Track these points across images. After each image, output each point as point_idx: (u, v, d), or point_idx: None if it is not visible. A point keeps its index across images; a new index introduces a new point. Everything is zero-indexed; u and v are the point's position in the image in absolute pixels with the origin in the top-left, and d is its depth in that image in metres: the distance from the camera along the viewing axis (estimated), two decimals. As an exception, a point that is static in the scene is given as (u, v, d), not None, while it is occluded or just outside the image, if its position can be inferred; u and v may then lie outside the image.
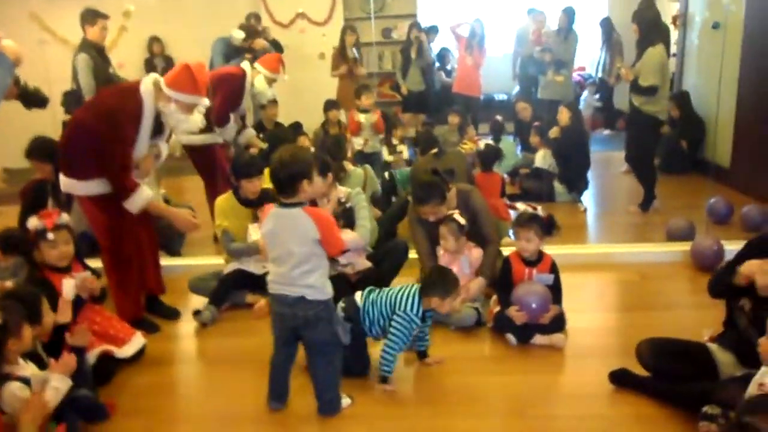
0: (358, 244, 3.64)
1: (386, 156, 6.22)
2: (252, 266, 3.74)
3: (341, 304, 2.95)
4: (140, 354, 3.22)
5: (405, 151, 6.28)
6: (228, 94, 4.86)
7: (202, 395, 3.04)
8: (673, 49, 7.07)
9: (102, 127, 3.22)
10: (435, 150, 4.87)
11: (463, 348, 3.26)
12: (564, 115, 5.88)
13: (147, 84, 3.31)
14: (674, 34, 7.14)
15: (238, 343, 3.38)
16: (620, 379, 2.80)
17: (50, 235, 2.94)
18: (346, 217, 3.66)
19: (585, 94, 8.67)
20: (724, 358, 2.65)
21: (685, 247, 4.26)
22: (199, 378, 3.22)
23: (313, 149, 4.14)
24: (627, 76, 5.30)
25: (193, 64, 3.34)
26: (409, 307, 2.87)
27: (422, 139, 5.30)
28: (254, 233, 3.71)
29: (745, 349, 2.50)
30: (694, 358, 2.68)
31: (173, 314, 3.72)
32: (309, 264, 2.50)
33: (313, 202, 3.24)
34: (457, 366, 3.09)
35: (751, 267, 2.47)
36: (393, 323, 2.86)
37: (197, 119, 3.45)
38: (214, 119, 4.72)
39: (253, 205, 3.80)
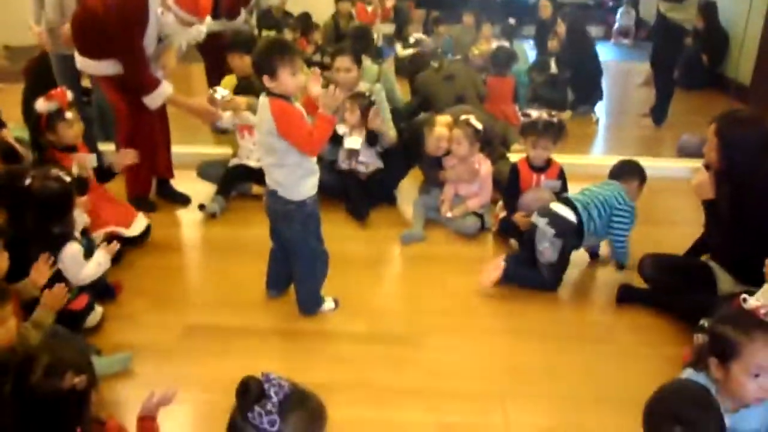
0: (390, 141, 3.65)
1: (399, 51, 6.03)
2: (252, 162, 3.71)
3: (544, 222, 2.87)
4: (146, 236, 3.26)
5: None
6: None
7: (205, 279, 3.11)
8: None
9: (110, 19, 3.17)
10: (437, 65, 4.70)
11: (466, 250, 3.30)
12: (545, 10, 5.68)
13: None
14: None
15: (244, 233, 3.41)
16: (624, 295, 2.84)
17: (68, 114, 2.93)
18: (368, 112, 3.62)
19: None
20: (723, 277, 2.67)
21: (695, 163, 4.20)
22: (203, 263, 3.28)
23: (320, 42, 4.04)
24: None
25: None
26: (625, 201, 2.94)
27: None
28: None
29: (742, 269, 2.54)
30: (695, 275, 2.72)
31: (183, 199, 3.74)
32: (273, 157, 2.45)
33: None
34: (458, 267, 3.13)
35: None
36: (618, 219, 2.92)
37: (194, 34, 3.37)
38: (225, 12, 4.59)
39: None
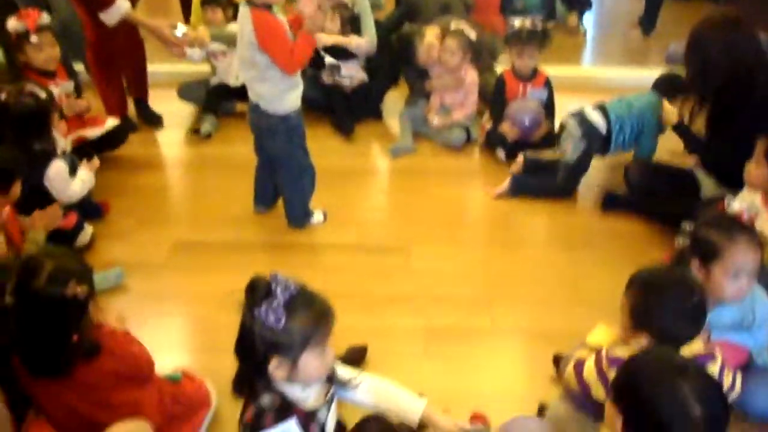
0: (368, 51, 3.57)
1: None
2: (232, 80, 3.62)
3: (574, 122, 2.88)
4: (119, 136, 3.22)
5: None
6: None
7: (191, 197, 3.10)
8: None
9: None
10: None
11: (452, 162, 3.30)
12: None
13: None
14: None
15: (229, 150, 3.38)
16: (609, 201, 2.88)
17: (34, 38, 2.81)
18: (353, 23, 3.53)
19: None
20: (707, 182, 2.71)
21: (684, 72, 4.17)
22: (189, 182, 3.25)
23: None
24: None
25: None
26: (657, 121, 2.87)
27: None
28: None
29: (724, 172, 2.58)
30: (679, 180, 2.76)
31: (156, 120, 3.66)
32: (254, 70, 2.39)
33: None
34: (445, 179, 3.15)
35: None
36: (645, 136, 2.90)
37: None
38: None
39: None
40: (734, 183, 2.38)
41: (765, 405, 1.81)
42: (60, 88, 2.94)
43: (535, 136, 3.19)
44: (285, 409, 1.36)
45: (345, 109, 3.56)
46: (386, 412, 1.59)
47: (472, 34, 3.32)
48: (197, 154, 3.43)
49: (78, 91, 3.21)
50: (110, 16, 3.12)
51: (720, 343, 1.71)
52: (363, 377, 1.59)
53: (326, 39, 3.47)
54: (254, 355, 1.33)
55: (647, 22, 5.22)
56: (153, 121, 3.65)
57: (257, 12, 2.30)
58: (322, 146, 3.25)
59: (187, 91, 3.75)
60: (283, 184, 2.68)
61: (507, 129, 3.16)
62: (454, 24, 3.38)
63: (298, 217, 2.71)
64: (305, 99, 2.55)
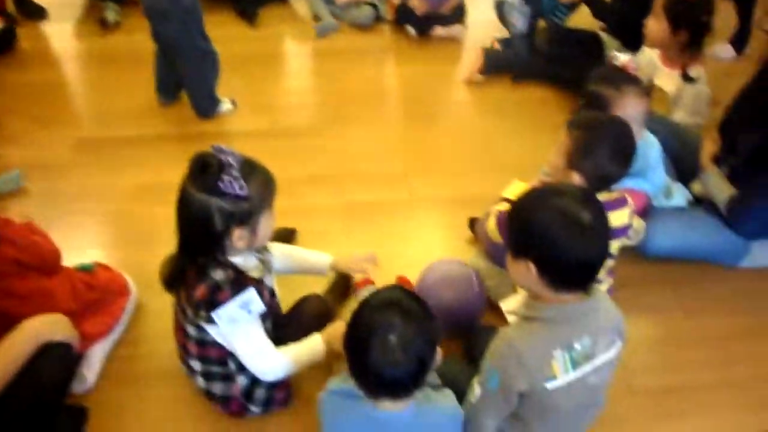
0: None
1: None
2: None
3: None
4: (7, 43, 2.99)
5: None
6: None
7: (89, 92, 2.90)
8: None
9: None
10: None
11: (361, 41, 3.22)
12: None
13: None
14: None
15: (123, 39, 3.16)
16: (519, 72, 2.89)
17: None
18: None
19: None
20: (612, 44, 2.76)
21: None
22: (84, 76, 3.03)
23: None
24: None
25: None
26: None
27: None
28: None
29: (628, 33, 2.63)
30: (585, 44, 2.80)
31: (38, 12, 3.34)
32: None
33: None
34: (356, 59, 3.07)
35: None
36: None
37: None
38: None
39: None
40: (637, 44, 2.44)
41: (662, 244, 1.95)
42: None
43: (444, 9, 3.12)
44: (239, 280, 1.36)
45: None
46: (299, 270, 1.70)
47: None
48: (92, 47, 3.18)
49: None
50: None
51: (622, 190, 1.81)
52: (273, 244, 1.62)
53: None
54: (210, 233, 1.30)
55: None
56: (35, 13, 3.33)
57: None
58: (226, 33, 3.09)
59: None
60: (183, 72, 2.54)
61: (416, 3, 3.08)
62: None
63: (205, 106, 2.60)
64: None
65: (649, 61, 2.30)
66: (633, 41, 2.58)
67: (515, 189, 1.84)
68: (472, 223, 2.07)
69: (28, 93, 2.79)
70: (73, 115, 2.72)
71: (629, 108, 1.75)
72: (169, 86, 2.66)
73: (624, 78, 1.80)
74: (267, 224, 1.38)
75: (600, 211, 1.16)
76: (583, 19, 2.97)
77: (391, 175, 2.38)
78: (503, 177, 2.02)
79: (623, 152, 1.55)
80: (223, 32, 2.86)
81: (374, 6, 3.29)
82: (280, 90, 2.90)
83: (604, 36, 2.79)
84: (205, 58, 2.52)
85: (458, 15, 3.17)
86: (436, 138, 2.59)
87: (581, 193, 1.20)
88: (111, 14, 3.25)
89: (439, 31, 3.16)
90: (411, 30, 3.17)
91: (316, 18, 3.33)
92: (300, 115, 2.72)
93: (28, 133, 2.57)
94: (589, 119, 1.60)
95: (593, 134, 1.54)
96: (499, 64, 2.90)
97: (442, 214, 2.24)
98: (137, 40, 3.01)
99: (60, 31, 3.28)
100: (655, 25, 2.20)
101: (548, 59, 2.85)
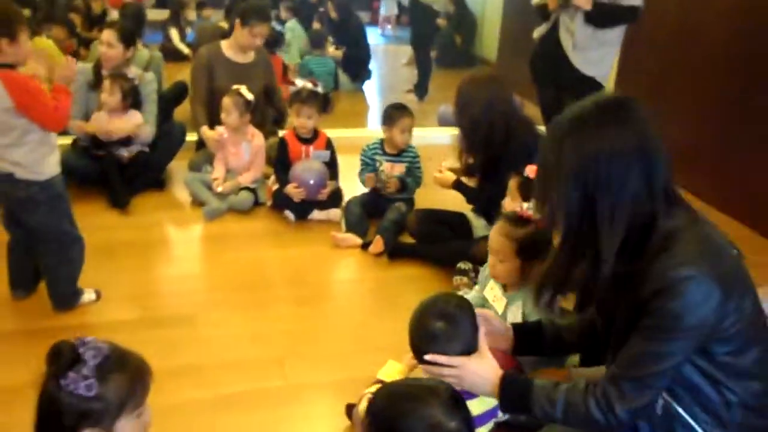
0: (148, 139, 3.46)
1: (177, 42, 5.74)
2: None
3: None
4: None
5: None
6: None
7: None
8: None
9: None
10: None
11: (241, 226, 3.23)
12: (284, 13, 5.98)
13: None
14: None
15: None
16: (394, 251, 2.99)
17: None
18: (134, 96, 3.37)
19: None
20: (477, 223, 2.94)
21: (453, 131, 4.56)
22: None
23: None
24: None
25: None
26: None
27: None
28: None
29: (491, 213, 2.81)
30: (454, 224, 2.96)
31: None
32: (9, 137, 2.18)
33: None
34: (236, 244, 3.07)
35: None
36: None
37: None
38: None
39: None
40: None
41: None
42: None
43: (321, 195, 3.24)
44: None
45: (120, 181, 3.33)
46: None
47: (249, 95, 3.34)
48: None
49: None
50: None
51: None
52: None
53: (113, 131, 3.32)
54: (61, 430, 1.16)
55: (420, 89, 5.72)
56: None
57: (7, 73, 2.12)
58: (97, 221, 3.03)
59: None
60: (46, 261, 2.40)
61: (293, 190, 3.18)
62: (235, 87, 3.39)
63: (65, 298, 2.44)
64: (76, 171, 2.34)
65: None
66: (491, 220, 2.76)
67: (390, 370, 1.81)
68: (349, 409, 1.97)
69: None
70: None
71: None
72: (26, 279, 2.49)
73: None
74: (130, 427, 1.23)
75: (468, 420, 1.14)
76: (449, 201, 3.16)
77: (266, 362, 2.27)
78: (380, 357, 1.98)
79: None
80: (91, 220, 2.79)
81: (252, 191, 3.36)
82: (152, 278, 2.80)
83: (471, 216, 2.97)
84: (71, 245, 2.41)
85: (335, 199, 3.29)
86: (315, 320, 2.54)
87: (450, 397, 1.16)
88: None
89: (316, 215, 3.25)
90: (289, 215, 3.24)
91: (197, 203, 3.34)
92: (173, 303, 2.60)
93: None
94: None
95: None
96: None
97: (319, 400, 2.12)
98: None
99: None
100: (512, 204, 2.37)
101: (421, 239, 2.97)
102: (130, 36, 3.43)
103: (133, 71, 3.45)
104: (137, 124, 3.38)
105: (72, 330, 2.37)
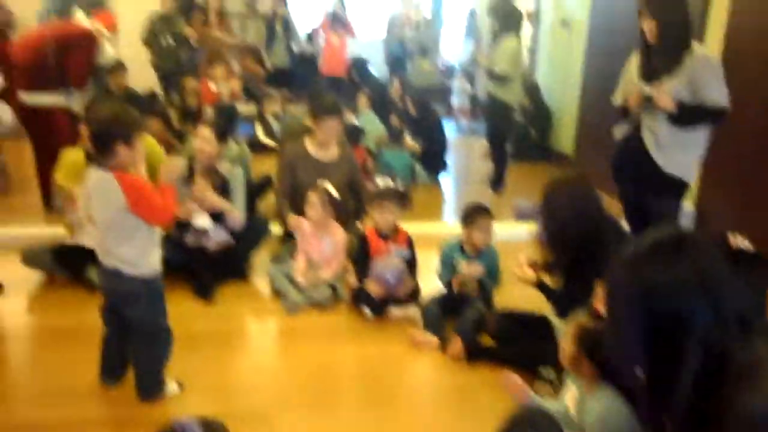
0: (239, 225, 3.58)
1: (261, 136, 6.09)
2: (86, 239, 3.45)
3: None
4: None
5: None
6: (89, 54, 4.42)
7: (32, 373, 2.79)
8: (528, 43, 7.48)
9: None
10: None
11: (320, 321, 3.26)
12: (396, 90, 6.15)
13: None
14: (529, 29, 7.56)
15: (76, 318, 3.13)
16: (474, 353, 2.91)
17: None
18: (223, 189, 3.56)
19: (456, 83, 8.97)
20: (560, 326, 2.84)
21: (531, 226, 4.52)
22: (29, 355, 2.95)
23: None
24: (483, 62, 5.59)
25: None
26: None
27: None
28: None
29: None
30: (535, 326, 2.88)
31: None
32: (119, 234, 2.32)
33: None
34: (313, 338, 3.08)
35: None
36: None
37: None
38: (75, 81, 4.32)
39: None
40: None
41: None
42: None
43: (400, 292, 3.25)
44: None
45: (207, 272, 3.46)
46: None
47: (334, 191, 3.44)
48: (41, 324, 3.17)
49: None
50: None
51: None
52: None
53: (212, 199, 3.47)
54: None
55: (496, 182, 5.74)
56: None
57: (123, 175, 2.28)
58: (183, 310, 3.12)
59: (32, 257, 3.51)
60: (137, 353, 2.49)
61: (372, 286, 3.21)
62: (320, 182, 3.51)
63: (151, 389, 2.50)
64: (166, 261, 2.45)
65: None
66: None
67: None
68: None
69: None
70: (11, 397, 2.58)
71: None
72: (116, 368, 2.58)
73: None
74: None
75: None
76: (529, 300, 3.09)
77: (343, 467, 2.22)
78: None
79: None
80: (178, 309, 2.87)
81: (333, 287, 3.41)
82: (232, 370, 2.83)
83: (553, 318, 2.89)
84: (162, 338, 2.51)
85: (413, 297, 3.29)
86: (391, 423, 2.49)
87: None
88: (94, 273, 3.27)
89: (394, 311, 3.25)
90: (367, 311, 3.25)
91: (278, 295, 3.40)
92: (251, 399, 2.61)
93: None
94: None
95: None
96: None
97: None
98: (84, 319, 2.99)
99: (14, 306, 3.27)
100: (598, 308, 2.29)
101: (500, 341, 2.90)
102: (224, 134, 3.65)
103: (224, 167, 3.64)
104: (228, 207, 3.54)
105: (154, 423, 2.40)
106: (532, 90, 7.17)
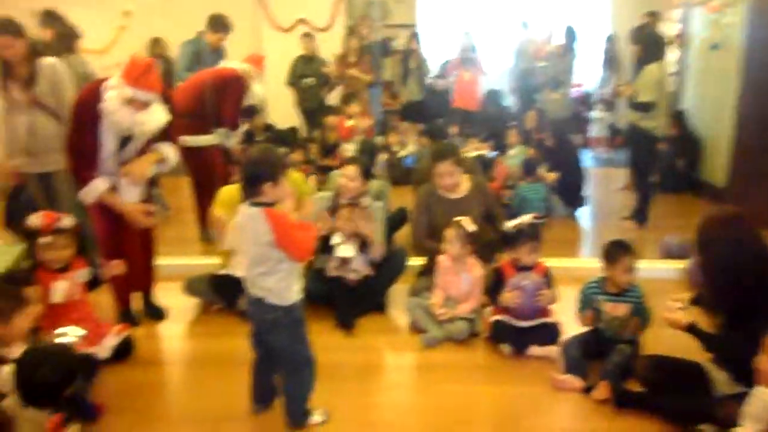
0: (379, 256, 3.71)
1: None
2: (238, 269, 3.68)
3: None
4: (126, 352, 3.18)
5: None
6: (240, 95, 4.79)
7: (188, 395, 3.00)
8: (674, 68, 7.11)
9: (65, 113, 3.48)
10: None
11: (457, 356, 3.24)
12: (531, 120, 6.05)
13: (113, 79, 3.19)
14: (674, 54, 7.18)
15: (230, 344, 3.34)
16: (621, 399, 2.76)
17: (44, 239, 2.97)
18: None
19: (594, 112, 8.75)
20: (719, 377, 2.64)
21: (679, 264, 4.25)
22: (187, 378, 3.18)
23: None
24: (625, 92, 5.36)
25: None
26: None
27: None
28: None
29: (739, 368, 2.50)
30: (690, 375, 2.68)
31: (158, 314, 3.68)
32: (264, 266, 2.45)
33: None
34: (451, 375, 3.07)
35: None
36: None
37: (156, 118, 3.29)
38: (229, 122, 4.70)
39: None
40: (749, 379, 2.31)
41: None
42: (71, 280, 3.03)
43: (537, 302, 3.18)
44: None
45: (348, 303, 3.57)
46: None
47: (471, 227, 3.43)
48: (195, 349, 3.42)
49: (96, 283, 3.24)
50: (85, 195, 3.27)
51: None
52: None
53: (360, 225, 3.63)
54: None
55: (639, 215, 5.44)
56: (156, 314, 3.66)
57: (272, 211, 2.43)
58: (324, 341, 3.22)
59: (192, 286, 3.80)
60: (284, 380, 2.61)
61: (508, 297, 3.16)
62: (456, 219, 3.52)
63: (297, 418, 2.61)
64: (308, 292, 2.59)
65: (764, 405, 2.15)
66: (747, 376, 2.46)
67: None
68: None
69: (133, 392, 2.94)
70: (167, 419, 2.79)
71: None
72: (265, 394, 2.72)
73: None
74: None
75: None
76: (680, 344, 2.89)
77: None
78: None
79: None
80: (320, 340, 2.98)
81: (470, 321, 3.39)
82: (372, 403, 2.88)
83: (711, 368, 2.68)
84: (305, 366, 2.61)
85: (553, 336, 3.19)
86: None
87: None
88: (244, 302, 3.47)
89: (534, 350, 3.16)
90: (506, 348, 3.19)
91: (416, 329, 3.44)
92: (390, 432, 2.65)
93: (125, 432, 2.63)
94: None
95: None
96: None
97: None
98: (238, 345, 3.15)
99: (173, 333, 3.56)
100: (765, 363, 2.11)
101: (652, 389, 2.72)
102: (368, 171, 3.79)
103: (366, 202, 3.76)
104: (374, 235, 3.66)
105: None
106: (678, 117, 6.78)
